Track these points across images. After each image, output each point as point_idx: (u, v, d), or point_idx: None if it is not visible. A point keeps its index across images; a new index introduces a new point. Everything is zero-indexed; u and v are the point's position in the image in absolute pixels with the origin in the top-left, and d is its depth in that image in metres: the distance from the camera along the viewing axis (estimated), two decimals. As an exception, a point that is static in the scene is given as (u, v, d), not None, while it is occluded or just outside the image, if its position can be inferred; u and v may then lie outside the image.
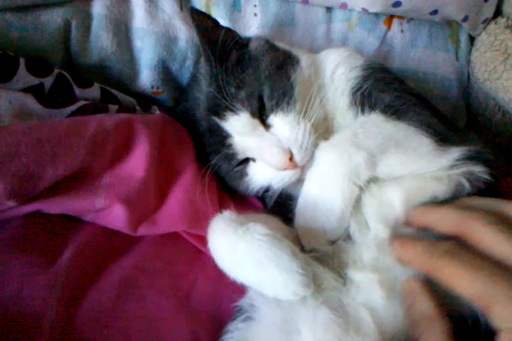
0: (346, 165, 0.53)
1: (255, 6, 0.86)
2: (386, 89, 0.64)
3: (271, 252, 0.47)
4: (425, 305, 0.47)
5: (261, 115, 0.63)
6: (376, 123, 0.59)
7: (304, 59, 0.69)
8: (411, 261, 0.49)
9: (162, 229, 0.59)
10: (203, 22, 0.67)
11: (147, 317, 0.53)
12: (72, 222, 0.57)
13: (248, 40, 0.72)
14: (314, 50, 0.84)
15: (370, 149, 0.54)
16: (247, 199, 0.70)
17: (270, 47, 0.70)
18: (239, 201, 0.68)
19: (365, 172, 0.53)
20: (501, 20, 0.95)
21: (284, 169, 0.60)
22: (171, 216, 0.59)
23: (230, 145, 0.63)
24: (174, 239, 0.61)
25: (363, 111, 0.63)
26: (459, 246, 0.45)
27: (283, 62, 0.67)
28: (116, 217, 0.56)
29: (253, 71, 0.64)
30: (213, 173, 0.65)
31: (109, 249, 0.57)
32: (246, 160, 0.65)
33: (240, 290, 0.55)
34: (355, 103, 0.64)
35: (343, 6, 0.89)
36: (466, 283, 0.42)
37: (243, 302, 0.55)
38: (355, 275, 0.53)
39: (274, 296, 0.48)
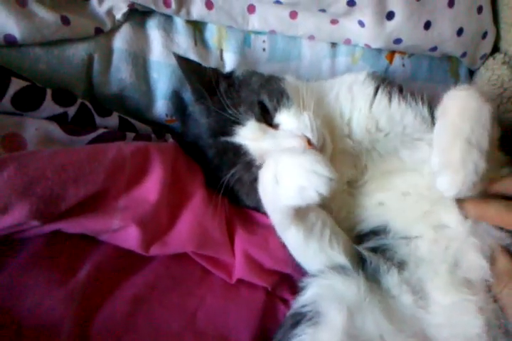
0: None
1: (264, 41, 0.92)
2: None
3: None
4: (506, 261, 0.57)
5: (266, 119, 0.68)
6: None
7: (288, 76, 0.77)
8: (490, 219, 0.58)
9: (172, 249, 0.63)
10: (188, 65, 0.74)
11: (156, 333, 0.56)
12: (89, 241, 0.61)
13: (231, 72, 0.80)
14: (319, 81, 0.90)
15: None
16: (256, 222, 0.73)
17: (254, 71, 0.79)
18: (247, 224, 0.71)
19: None
20: (499, 56, 1.00)
21: None
22: (180, 237, 0.63)
23: (245, 153, 0.67)
24: (184, 259, 0.64)
25: None
26: None
27: (270, 77, 0.75)
28: (130, 237, 0.60)
29: (246, 88, 0.71)
30: (225, 194, 0.68)
31: (122, 267, 0.61)
32: None
33: (248, 306, 0.58)
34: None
35: (347, 42, 0.95)
36: None
37: (306, 309, 0.57)
38: (442, 298, 0.56)
39: None
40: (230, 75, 0.78)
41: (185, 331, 0.57)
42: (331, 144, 0.67)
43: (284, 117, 0.68)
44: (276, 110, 0.68)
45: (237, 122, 0.67)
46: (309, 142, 0.64)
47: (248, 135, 0.66)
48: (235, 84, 0.73)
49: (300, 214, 0.59)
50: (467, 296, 0.55)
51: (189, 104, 0.85)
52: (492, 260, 0.57)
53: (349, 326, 0.54)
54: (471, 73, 1.07)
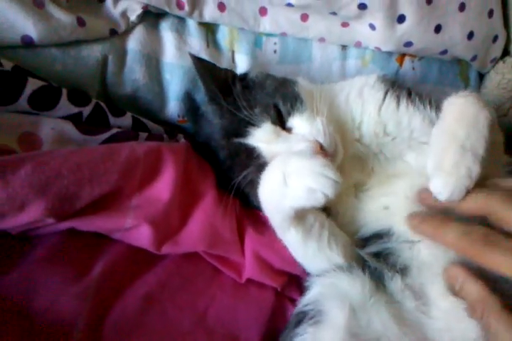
0: None
1: (275, 43, 0.93)
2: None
3: None
4: (474, 288, 0.51)
5: (280, 123, 0.69)
6: None
7: (300, 79, 0.78)
8: (448, 245, 0.53)
9: (183, 248, 0.64)
10: (203, 66, 0.75)
11: (167, 331, 0.57)
12: (102, 240, 0.62)
13: (245, 74, 0.81)
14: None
15: None
16: (266, 223, 0.74)
17: (268, 74, 0.79)
18: (257, 225, 0.71)
19: None
20: (509, 60, 1.01)
21: None
22: (192, 237, 0.64)
23: (258, 156, 0.68)
24: (195, 258, 0.65)
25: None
26: (491, 230, 0.49)
27: (284, 81, 0.75)
28: (142, 236, 0.61)
29: (260, 91, 0.72)
30: (236, 195, 0.68)
31: (134, 265, 0.62)
32: None
33: (258, 305, 0.59)
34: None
35: (358, 44, 0.96)
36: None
37: (308, 307, 0.58)
38: (441, 302, 0.57)
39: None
40: (244, 77, 0.79)
41: (196, 329, 0.58)
42: (343, 150, 0.68)
43: (297, 121, 0.68)
44: (289, 114, 0.68)
45: (252, 124, 0.67)
46: (321, 147, 0.64)
47: (262, 137, 0.67)
48: (250, 86, 0.74)
49: (298, 215, 0.60)
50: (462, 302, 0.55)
51: (201, 105, 0.86)
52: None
53: (352, 325, 0.55)
54: (481, 77, 1.07)
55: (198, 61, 0.76)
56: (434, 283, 0.58)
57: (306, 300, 0.60)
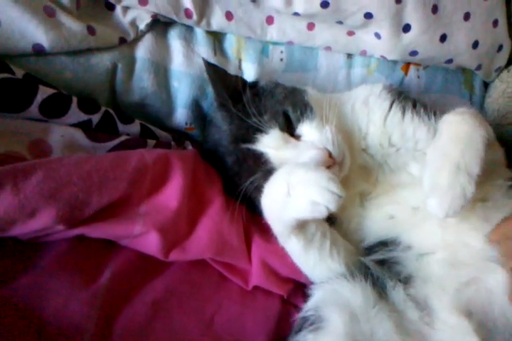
0: None
1: (282, 52, 0.94)
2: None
3: None
4: None
5: (289, 130, 0.69)
6: None
7: (309, 88, 0.78)
8: None
9: (191, 255, 0.65)
10: (215, 72, 0.76)
11: (174, 336, 0.58)
12: (111, 246, 0.62)
13: (255, 82, 0.82)
14: (335, 92, 0.91)
15: None
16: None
17: (278, 82, 0.80)
18: (264, 232, 0.71)
19: None
20: (514, 69, 1.01)
21: (327, 167, 0.63)
22: (199, 244, 0.65)
23: (266, 161, 0.68)
24: (202, 265, 0.66)
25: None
26: None
27: (293, 89, 0.76)
28: (151, 243, 0.61)
29: (270, 98, 0.73)
30: (243, 202, 0.69)
31: (143, 272, 0.63)
32: None
33: (264, 313, 0.60)
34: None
35: (363, 53, 0.97)
36: None
37: (308, 313, 0.59)
38: (447, 317, 0.57)
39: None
40: (254, 85, 0.80)
41: (203, 335, 0.59)
42: (350, 159, 0.68)
43: (306, 129, 0.69)
44: (299, 121, 0.69)
45: (260, 130, 0.68)
46: (330, 155, 0.65)
47: (270, 143, 0.67)
48: (260, 94, 0.75)
49: (300, 224, 0.60)
50: (464, 321, 0.56)
51: (208, 112, 0.88)
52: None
53: (353, 332, 0.55)
54: (486, 85, 1.08)
55: (210, 67, 0.76)
56: (442, 299, 0.59)
57: (307, 307, 0.61)
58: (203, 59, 0.79)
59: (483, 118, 0.65)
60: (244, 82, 0.80)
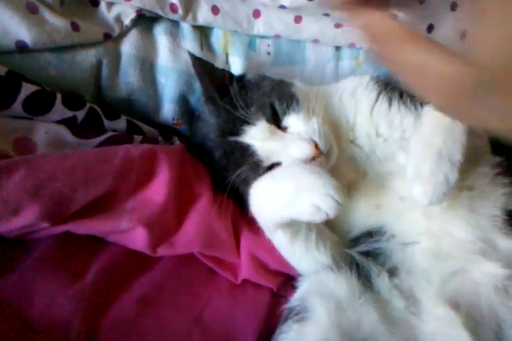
0: None
1: (269, 45, 0.94)
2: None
3: None
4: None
5: (275, 121, 0.69)
6: None
7: (296, 81, 0.78)
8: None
9: (179, 250, 0.64)
10: (201, 65, 0.75)
11: (163, 332, 0.57)
12: (98, 242, 0.62)
13: (242, 75, 0.82)
14: (323, 84, 0.91)
15: None
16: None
17: (265, 75, 0.80)
18: (253, 226, 0.70)
19: None
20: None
21: (313, 158, 0.64)
22: (187, 238, 0.64)
23: (253, 153, 0.68)
24: (190, 259, 0.65)
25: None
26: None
27: (280, 82, 0.76)
28: (138, 238, 0.61)
29: (257, 91, 0.73)
30: (231, 195, 0.69)
31: (130, 267, 0.62)
32: (272, 168, 0.68)
33: (254, 306, 0.60)
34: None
35: (352, 45, 0.96)
36: None
37: (294, 303, 0.59)
38: (433, 309, 0.57)
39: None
40: (241, 78, 0.80)
41: (193, 330, 0.58)
42: (337, 150, 0.69)
43: (292, 120, 0.69)
44: (285, 113, 0.69)
45: (248, 122, 0.68)
46: (316, 146, 0.65)
47: (257, 135, 0.67)
48: (247, 87, 0.74)
49: (291, 221, 0.61)
50: (452, 313, 0.56)
51: (196, 107, 0.87)
52: None
53: (339, 321, 0.55)
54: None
55: (196, 60, 0.76)
56: (427, 290, 0.59)
57: (293, 298, 0.61)
58: (189, 52, 0.78)
59: None
60: (231, 75, 0.80)
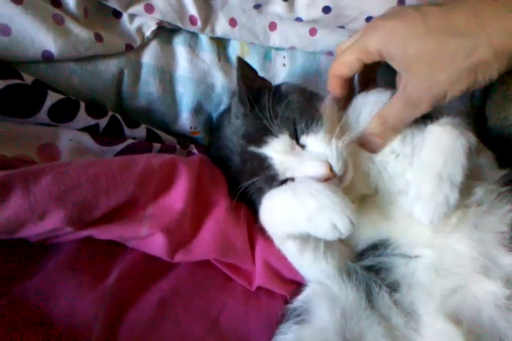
0: None
1: (284, 57, 0.96)
2: None
3: None
4: None
5: (297, 137, 0.69)
6: None
7: (328, 97, 0.78)
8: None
9: (196, 256, 0.66)
10: (245, 70, 0.76)
11: (180, 336, 0.59)
12: (118, 248, 0.64)
13: (279, 85, 0.81)
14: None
15: None
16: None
17: (299, 87, 0.80)
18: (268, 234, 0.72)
19: None
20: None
21: (326, 179, 0.65)
22: (204, 245, 0.66)
23: (269, 166, 0.68)
24: (207, 265, 0.67)
25: None
26: None
27: (310, 97, 0.76)
28: (157, 244, 0.63)
29: (285, 104, 0.72)
30: (246, 203, 0.70)
31: (149, 272, 0.64)
32: (285, 182, 0.68)
33: (268, 313, 0.62)
34: None
35: (365, 58, 0.98)
36: None
37: (297, 304, 0.61)
38: (434, 323, 0.58)
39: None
40: (277, 87, 0.79)
41: (208, 335, 0.60)
42: (352, 173, 0.68)
43: (311, 140, 0.69)
44: (303, 133, 0.69)
45: (272, 133, 0.68)
46: (331, 169, 0.65)
47: (277, 147, 0.67)
48: (277, 98, 0.73)
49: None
50: (453, 328, 0.57)
51: (213, 116, 0.90)
52: None
53: (342, 331, 0.56)
54: (486, 87, 1.08)
55: (243, 64, 0.76)
56: (428, 305, 0.60)
57: (298, 299, 0.62)
58: (237, 56, 0.78)
59: (466, 127, 0.67)
60: (269, 85, 0.80)
